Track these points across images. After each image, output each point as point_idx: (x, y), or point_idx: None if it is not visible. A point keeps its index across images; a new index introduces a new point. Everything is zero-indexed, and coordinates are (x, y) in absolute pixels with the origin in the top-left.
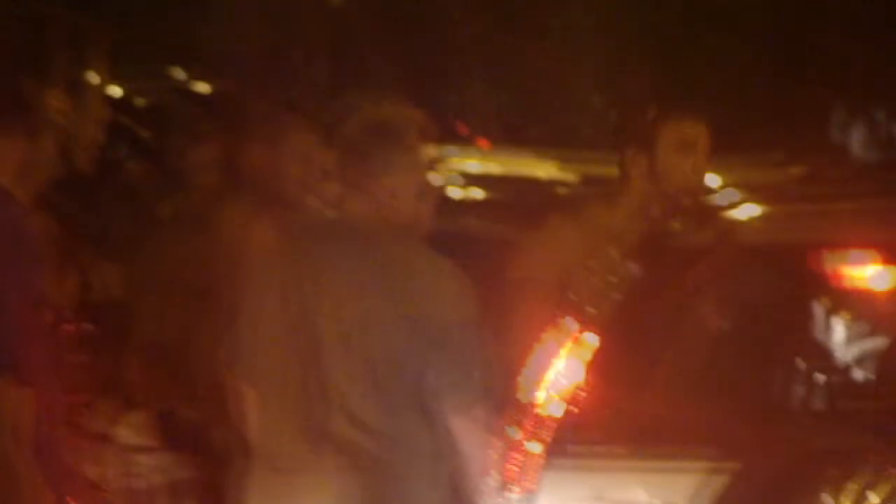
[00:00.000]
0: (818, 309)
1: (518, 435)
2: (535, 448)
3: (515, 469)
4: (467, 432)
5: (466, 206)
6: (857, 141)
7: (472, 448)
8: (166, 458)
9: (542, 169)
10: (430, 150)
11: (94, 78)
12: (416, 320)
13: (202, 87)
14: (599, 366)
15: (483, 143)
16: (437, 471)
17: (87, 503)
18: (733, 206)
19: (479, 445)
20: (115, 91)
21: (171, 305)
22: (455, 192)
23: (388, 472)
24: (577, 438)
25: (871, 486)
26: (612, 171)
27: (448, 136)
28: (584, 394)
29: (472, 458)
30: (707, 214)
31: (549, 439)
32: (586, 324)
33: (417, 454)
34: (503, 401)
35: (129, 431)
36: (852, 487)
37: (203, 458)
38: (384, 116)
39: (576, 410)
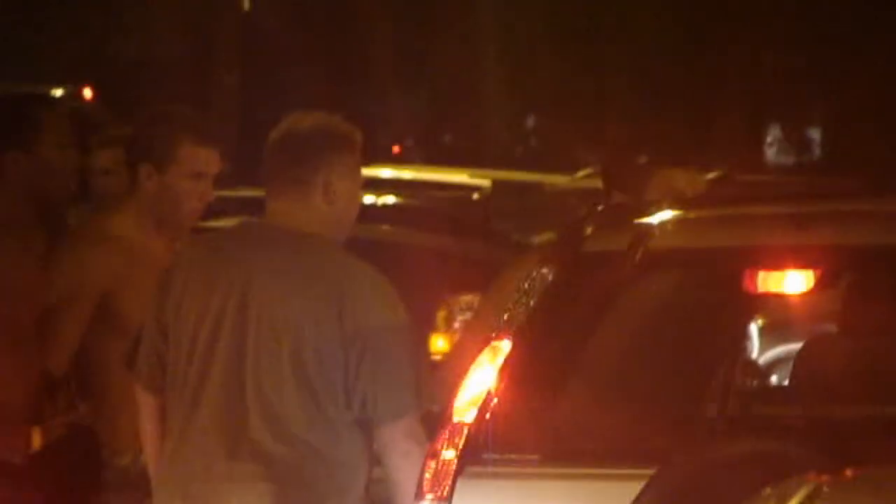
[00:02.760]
0: (734, 313)
1: (435, 442)
2: (449, 455)
3: (429, 476)
4: (399, 442)
5: (380, 211)
6: (771, 146)
7: (402, 460)
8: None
9: (456, 175)
10: (360, 160)
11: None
12: (347, 326)
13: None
14: (514, 372)
15: (396, 149)
16: (355, 483)
17: None
18: (649, 211)
19: (409, 457)
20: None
21: (77, 314)
22: (368, 199)
23: (303, 483)
24: (491, 446)
25: (790, 492)
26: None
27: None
28: (496, 400)
29: (400, 471)
30: (621, 219)
31: (462, 446)
32: (500, 330)
33: (336, 465)
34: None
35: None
36: (770, 494)
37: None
38: (318, 122)
39: (488, 417)
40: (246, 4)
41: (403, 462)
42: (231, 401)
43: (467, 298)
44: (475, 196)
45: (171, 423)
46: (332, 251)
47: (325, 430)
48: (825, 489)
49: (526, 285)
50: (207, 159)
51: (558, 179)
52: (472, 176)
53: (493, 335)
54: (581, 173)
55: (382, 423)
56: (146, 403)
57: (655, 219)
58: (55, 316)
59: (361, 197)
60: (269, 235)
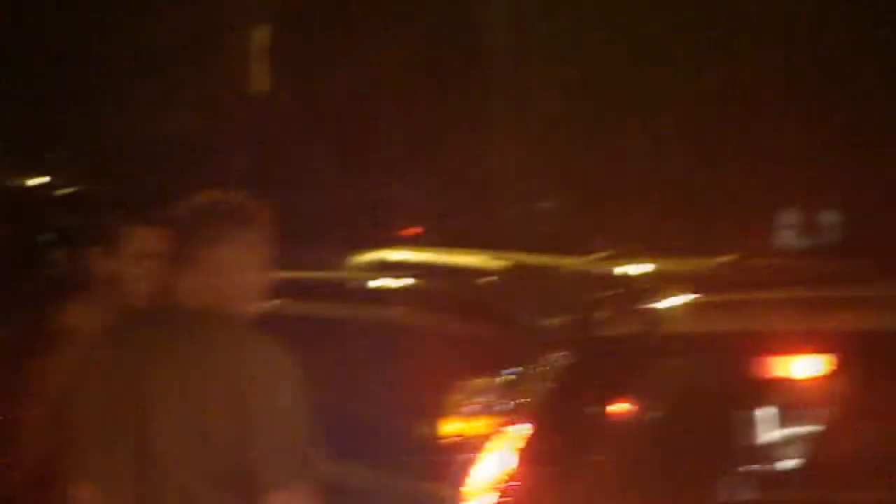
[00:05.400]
0: (746, 399)
1: None
2: None
3: None
4: None
5: (391, 296)
6: (782, 230)
7: None
8: None
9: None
10: (265, 234)
11: None
12: (240, 399)
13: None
14: (531, 456)
15: (412, 233)
16: None
17: None
18: (661, 296)
19: None
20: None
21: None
22: (380, 283)
23: None
24: None
25: None
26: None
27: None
28: (514, 483)
29: None
30: (633, 304)
31: None
32: (517, 414)
33: None
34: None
35: None
36: None
37: None
38: (216, 197)
39: (507, 500)
40: (258, 85)
41: None
42: (146, 478)
43: (479, 382)
44: (487, 279)
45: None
46: (229, 325)
47: (231, 499)
48: None
49: (542, 369)
50: (155, 239)
51: (572, 263)
52: (485, 259)
53: (509, 418)
54: (594, 256)
55: (270, 490)
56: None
57: (669, 303)
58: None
59: (263, 270)
60: (169, 313)
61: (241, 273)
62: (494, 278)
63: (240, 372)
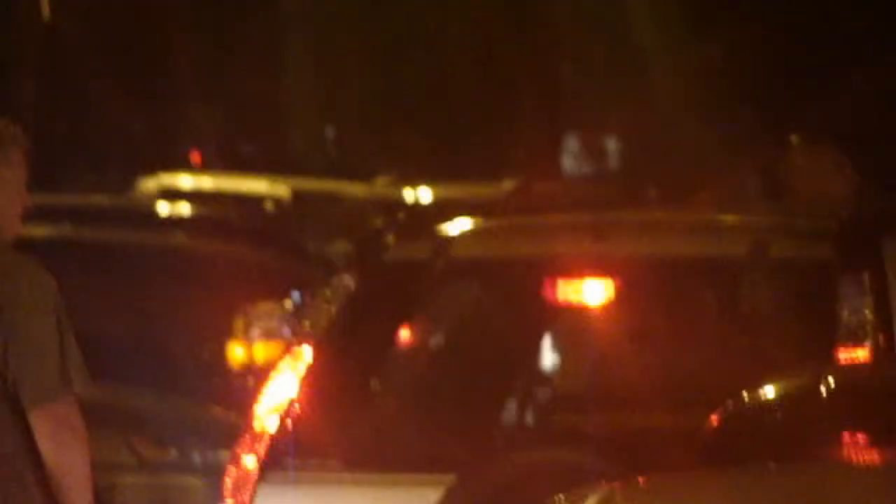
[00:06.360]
0: (533, 323)
1: (237, 449)
2: (250, 462)
3: (230, 483)
4: (45, 426)
5: (177, 222)
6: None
7: (52, 443)
8: None
9: (255, 183)
10: (19, 158)
11: None
12: (1, 323)
13: None
14: (316, 380)
15: (197, 158)
16: (26, 474)
17: None
18: (448, 220)
19: (58, 441)
20: None
21: None
22: (165, 208)
23: None
24: (293, 453)
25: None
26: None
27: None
28: (298, 407)
29: (53, 455)
30: (421, 229)
31: (264, 453)
32: (301, 337)
33: (13, 464)
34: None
35: None
36: (563, 500)
37: None
38: None
39: (290, 424)
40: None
41: (55, 448)
42: None
43: (265, 307)
44: (269, 205)
45: None
46: None
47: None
48: (617, 496)
49: (328, 293)
50: None
51: (357, 188)
52: (271, 184)
53: (295, 343)
54: (379, 182)
55: (29, 410)
56: None
57: (456, 228)
58: None
59: (18, 192)
60: None
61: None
62: (280, 203)
63: (1, 291)
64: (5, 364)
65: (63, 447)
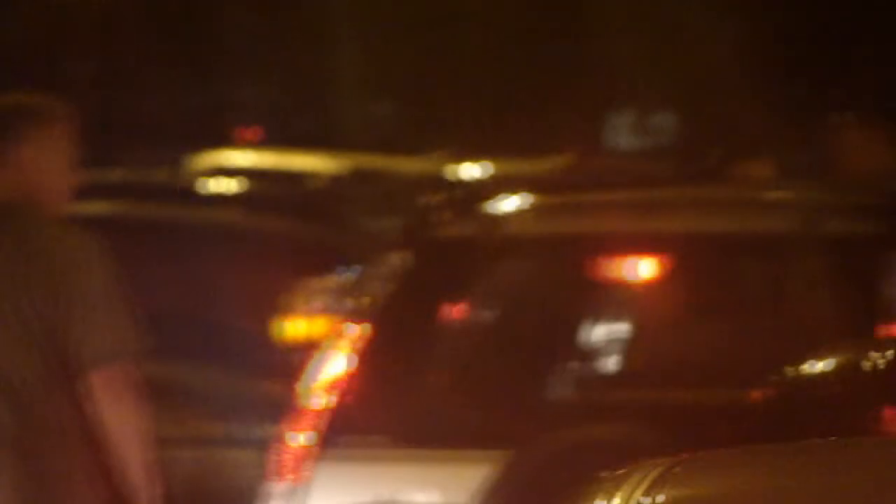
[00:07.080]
0: (583, 300)
1: (290, 425)
2: (305, 439)
3: (283, 459)
4: (104, 387)
5: (229, 198)
6: (619, 130)
7: (111, 404)
8: None
9: (307, 162)
10: (68, 134)
11: None
12: (61, 278)
13: None
14: (367, 358)
15: (250, 135)
16: (81, 451)
17: None
18: (499, 197)
19: (116, 401)
20: None
21: None
22: (221, 186)
23: (29, 450)
24: (348, 430)
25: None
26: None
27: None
28: (352, 384)
29: (110, 416)
30: (472, 206)
31: (319, 431)
32: (354, 313)
33: (62, 432)
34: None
35: None
36: (617, 476)
37: None
38: (17, 99)
39: (345, 401)
40: None
41: (113, 409)
42: None
43: (319, 282)
44: (322, 181)
45: None
46: (38, 218)
47: (56, 398)
48: (670, 471)
49: (380, 270)
50: None
51: (411, 164)
52: (324, 160)
53: (347, 319)
54: (434, 158)
55: (87, 370)
56: None
57: (508, 205)
58: None
59: (65, 167)
60: None
61: (44, 172)
62: (334, 180)
63: (55, 257)
64: (64, 335)
65: (121, 408)
